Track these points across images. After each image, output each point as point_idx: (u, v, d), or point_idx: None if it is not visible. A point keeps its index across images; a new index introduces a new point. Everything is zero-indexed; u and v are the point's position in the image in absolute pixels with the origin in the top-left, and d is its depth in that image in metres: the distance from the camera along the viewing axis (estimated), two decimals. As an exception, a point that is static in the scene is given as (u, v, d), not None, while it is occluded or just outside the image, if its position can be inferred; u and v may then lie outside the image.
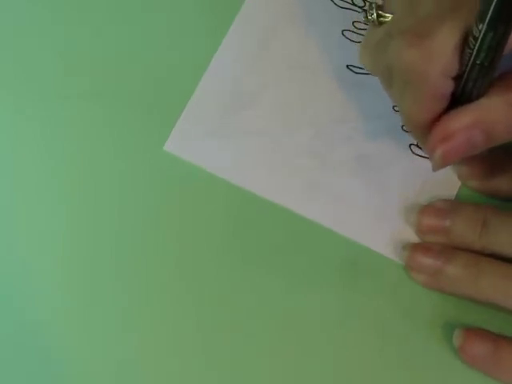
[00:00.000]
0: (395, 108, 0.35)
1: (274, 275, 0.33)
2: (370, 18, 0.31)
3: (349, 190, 0.34)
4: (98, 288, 0.34)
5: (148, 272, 0.34)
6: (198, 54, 0.36)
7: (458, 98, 0.29)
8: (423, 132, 0.30)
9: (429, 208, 0.34)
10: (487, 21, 0.25)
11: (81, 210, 0.35)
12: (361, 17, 0.36)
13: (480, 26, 0.26)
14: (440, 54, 0.28)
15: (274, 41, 0.36)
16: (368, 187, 0.34)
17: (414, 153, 0.35)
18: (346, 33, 0.36)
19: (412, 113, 0.30)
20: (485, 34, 0.26)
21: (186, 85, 0.36)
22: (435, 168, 0.30)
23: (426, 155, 0.35)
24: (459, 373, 0.32)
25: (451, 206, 0.33)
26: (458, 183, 0.34)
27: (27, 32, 0.37)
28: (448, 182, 0.34)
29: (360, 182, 0.34)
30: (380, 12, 0.31)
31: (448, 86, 0.28)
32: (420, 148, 0.35)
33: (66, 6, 0.37)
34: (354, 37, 0.36)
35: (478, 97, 0.29)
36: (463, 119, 0.29)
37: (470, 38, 0.27)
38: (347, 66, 0.36)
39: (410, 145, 0.35)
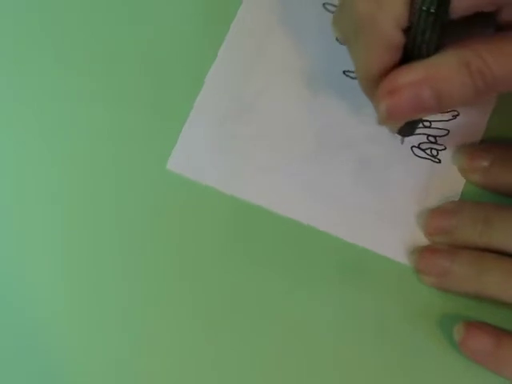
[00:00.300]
0: None
1: (274, 276, 0.34)
2: None
3: (352, 195, 0.34)
4: (99, 289, 0.34)
5: (148, 273, 0.34)
6: (195, 65, 0.36)
7: (410, 56, 0.29)
8: (373, 87, 0.29)
9: (436, 210, 0.34)
10: None
11: (81, 217, 0.35)
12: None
13: None
14: (391, 3, 0.27)
15: (269, 49, 0.36)
16: (371, 190, 0.34)
17: (415, 154, 0.35)
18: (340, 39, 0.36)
19: (363, 64, 0.29)
20: None
21: (186, 98, 0.35)
22: (380, 122, 0.30)
23: (427, 156, 0.35)
24: (459, 373, 0.32)
25: (456, 206, 0.33)
26: (462, 182, 0.34)
27: (27, 32, 0.37)
28: (452, 182, 0.34)
29: (363, 185, 0.34)
30: None
31: (399, 37, 0.28)
32: (422, 150, 0.35)
33: (67, 7, 0.37)
34: None
35: (430, 55, 0.28)
36: (412, 74, 0.28)
37: None
38: (343, 72, 0.36)
39: (412, 147, 0.35)
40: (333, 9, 0.36)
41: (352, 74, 0.35)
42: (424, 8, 0.27)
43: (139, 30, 0.36)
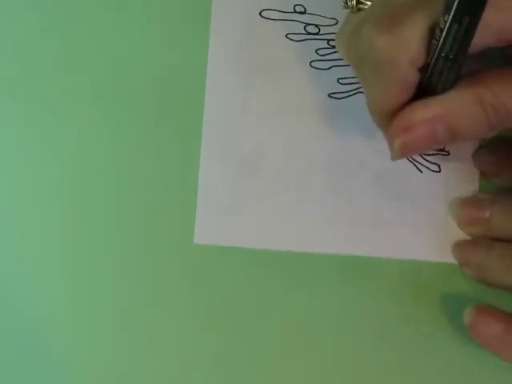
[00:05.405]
0: None
1: (274, 276, 0.34)
2: (349, 3, 0.31)
3: (374, 210, 0.34)
4: (99, 289, 0.34)
5: (148, 273, 0.34)
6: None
7: (424, 91, 0.28)
8: (386, 121, 0.29)
9: (468, 200, 0.34)
10: (452, 12, 0.25)
11: (81, 217, 0.34)
12: (322, 43, 0.36)
13: (446, 18, 0.25)
14: (408, 43, 0.27)
15: (251, 99, 0.35)
16: (392, 201, 0.34)
17: (425, 160, 0.35)
18: (314, 63, 0.36)
19: (377, 99, 0.29)
20: (450, 26, 0.26)
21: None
22: (393, 158, 0.30)
23: (435, 152, 0.35)
24: (459, 372, 0.32)
25: (490, 197, 0.33)
26: (477, 172, 0.34)
27: (28, 33, 0.36)
28: (467, 172, 0.34)
29: (383, 198, 0.34)
30: None
31: (414, 76, 0.28)
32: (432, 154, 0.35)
33: (68, 8, 0.37)
34: (323, 65, 0.36)
35: (444, 91, 0.28)
36: (426, 111, 0.28)
37: (437, 30, 0.26)
38: (329, 94, 0.35)
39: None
40: (296, 37, 0.36)
41: (337, 95, 0.35)
42: (443, 54, 0.27)
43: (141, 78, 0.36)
